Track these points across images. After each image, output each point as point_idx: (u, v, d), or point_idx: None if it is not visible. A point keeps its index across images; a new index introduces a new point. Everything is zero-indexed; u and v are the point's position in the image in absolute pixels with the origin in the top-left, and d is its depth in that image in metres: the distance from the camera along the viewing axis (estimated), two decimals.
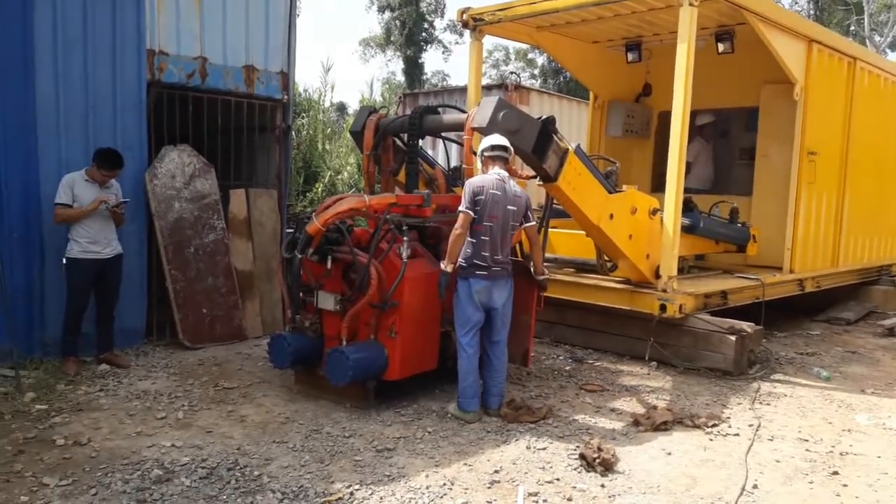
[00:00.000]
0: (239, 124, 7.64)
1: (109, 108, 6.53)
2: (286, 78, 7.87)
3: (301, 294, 5.46)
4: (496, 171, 5.20)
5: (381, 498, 3.92)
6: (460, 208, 5.08)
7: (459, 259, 5.13)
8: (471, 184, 5.14)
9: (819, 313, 9.51)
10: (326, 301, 5.37)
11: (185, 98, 7.11)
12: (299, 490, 3.97)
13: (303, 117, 15.91)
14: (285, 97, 7.89)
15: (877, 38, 30.88)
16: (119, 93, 6.58)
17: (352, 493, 3.95)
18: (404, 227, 5.30)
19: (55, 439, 4.55)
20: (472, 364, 5.20)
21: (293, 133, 9.22)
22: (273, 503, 3.81)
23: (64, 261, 5.99)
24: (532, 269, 5.46)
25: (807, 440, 5.03)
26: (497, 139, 5.27)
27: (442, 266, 5.13)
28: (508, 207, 5.15)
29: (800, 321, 9.17)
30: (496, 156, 5.24)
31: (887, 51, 31.35)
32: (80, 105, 6.36)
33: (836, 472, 4.47)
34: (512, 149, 5.33)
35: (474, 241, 5.11)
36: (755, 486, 4.23)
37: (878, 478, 4.43)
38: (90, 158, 6.03)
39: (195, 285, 6.92)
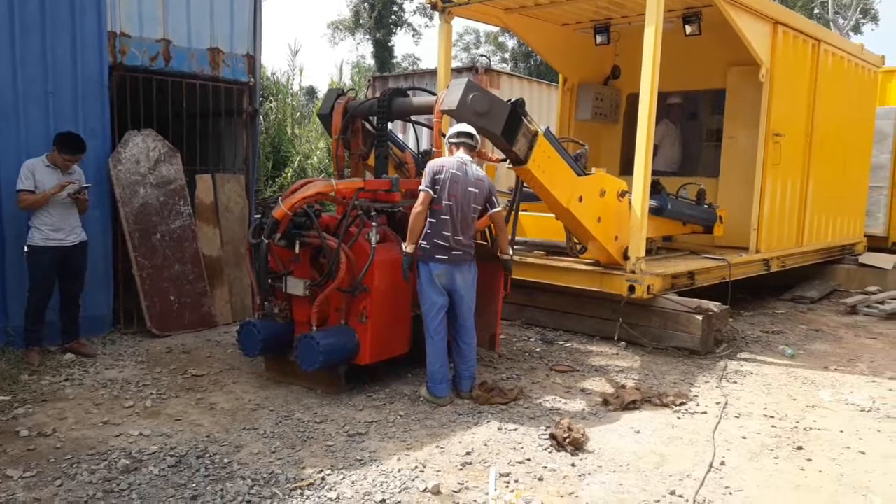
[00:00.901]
0: (205, 108, 7.51)
1: (70, 93, 6.37)
2: (252, 60, 7.75)
3: (270, 280, 5.41)
4: (459, 155, 5.23)
5: (353, 482, 3.91)
6: (420, 187, 5.13)
7: (421, 241, 5.12)
8: (431, 164, 5.20)
9: (784, 292, 9.70)
10: (296, 286, 5.32)
11: (148, 81, 6.97)
12: (270, 476, 3.94)
13: (271, 101, 15.72)
14: (252, 80, 7.77)
15: (840, 20, 31.34)
16: (80, 76, 6.41)
17: (323, 479, 3.94)
18: (373, 213, 5.27)
19: (19, 430, 4.46)
20: (440, 349, 5.20)
21: (261, 117, 9.10)
22: (243, 490, 3.78)
23: (25, 249, 5.86)
24: (498, 251, 5.49)
25: (772, 417, 5.12)
26: (463, 127, 5.30)
27: (403, 247, 5.13)
28: (469, 189, 5.15)
29: (765, 300, 9.33)
30: (461, 142, 5.28)
31: (850, 33, 31.85)
32: (39, 89, 6.19)
33: (800, 448, 4.57)
34: (479, 137, 5.36)
35: (434, 220, 5.11)
36: (722, 463, 4.30)
37: (840, 452, 4.53)
38: (51, 144, 5.88)
39: (162, 272, 6.82)
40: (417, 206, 5.08)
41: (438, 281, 5.14)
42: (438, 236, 5.10)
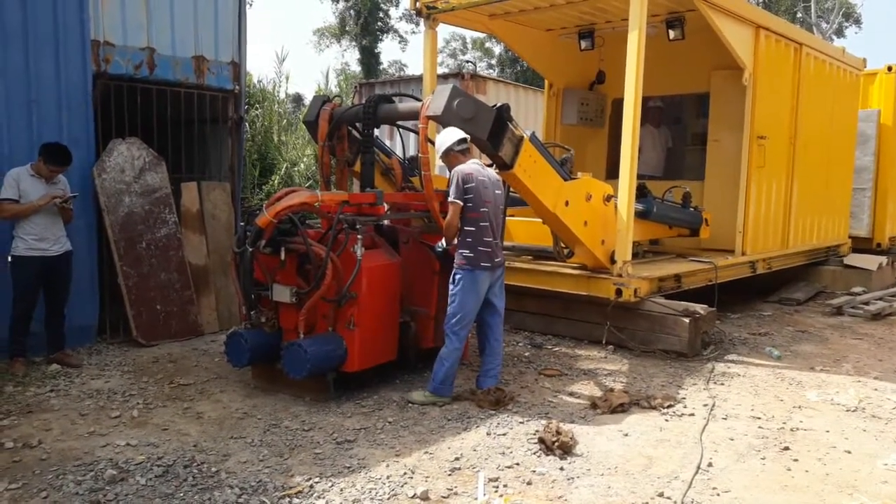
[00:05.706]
0: (190, 116, 7.49)
1: (53, 102, 6.34)
2: (237, 68, 7.74)
3: (255, 292, 5.37)
4: (474, 161, 5.34)
5: (342, 490, 3.90)
6: (450, 199, 5.17)
7: (463, 250, 5.18)
8: (458, 172, 5.22)
9: (770, 294, 9.75)
10: (282, 293, 5.29)
11: (133, 90, 6.94)
12: (258, 485, 3.92)
13: (257, 108, 15.68)
14: (237, 88, 7.76)
15: (823, 24, 31.67)
16: (63, 85, 6.38)
17: (311, 486, 3.93)
18: (358, 226, 5.25)
19: (3, 442, 4.41)
20: (460, 352, 5.29)
21: (247, 124, 9.08)
22: (231, 499, 3.76)
23: (9, 259, 5.81)
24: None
25: (759, 418, 5.15)
26: (459, 132, 5.36)
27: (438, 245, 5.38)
28: (496, 192, 5.33)
29: (752, 302, 9.39)
30: (465, 148, 5.37)
31: (833, 37, 32.20)
32: (22, 98, 6.15)
33: (787, 448, 4.59)
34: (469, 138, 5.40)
35: (473, 228, 5.17)
36: (710, 465, 4.32)
37: (826, 452, 4.56)
38: (34, 153, 5.85)
39: (148, 281, 6.79)
40: (451, 219, 5.17)
41: (480, 288, 5.21)
42: (481, 244, 5.17)
